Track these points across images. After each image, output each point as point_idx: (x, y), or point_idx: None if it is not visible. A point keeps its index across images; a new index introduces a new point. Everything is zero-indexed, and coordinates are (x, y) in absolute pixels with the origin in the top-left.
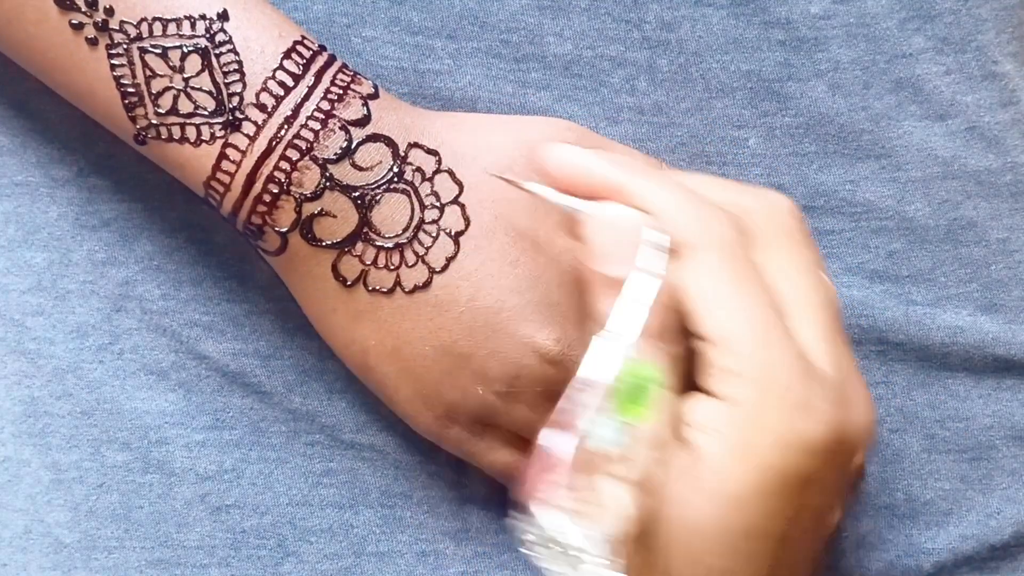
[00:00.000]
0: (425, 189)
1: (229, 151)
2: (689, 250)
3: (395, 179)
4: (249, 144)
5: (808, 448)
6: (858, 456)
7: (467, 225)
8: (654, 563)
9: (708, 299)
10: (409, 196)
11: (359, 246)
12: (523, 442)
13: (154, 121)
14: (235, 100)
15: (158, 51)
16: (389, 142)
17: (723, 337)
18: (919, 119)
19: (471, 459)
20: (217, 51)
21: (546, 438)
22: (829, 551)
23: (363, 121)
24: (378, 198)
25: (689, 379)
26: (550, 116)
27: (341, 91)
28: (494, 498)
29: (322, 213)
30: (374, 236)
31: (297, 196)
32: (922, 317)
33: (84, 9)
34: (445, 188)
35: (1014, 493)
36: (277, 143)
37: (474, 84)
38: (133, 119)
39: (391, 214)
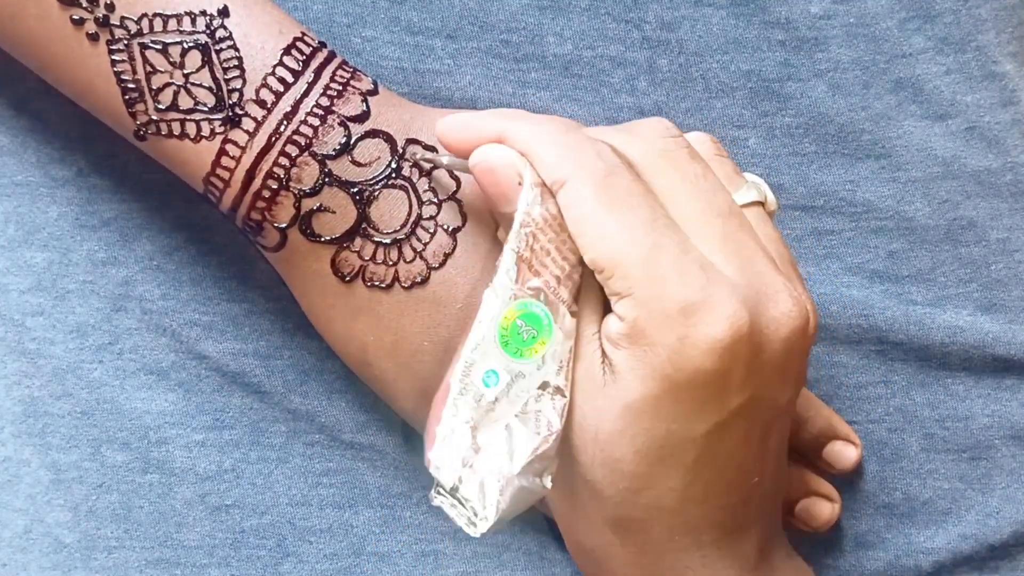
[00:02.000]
0: (423, 185)
1: (229, 147)
2: (561, 185)
3: (393, 175)
4: (249, 140)
5: (708, 350)
6: (783, 343)
7: (464, 221)
8: (579, 474)
9: (586, 229)
10: (407, 192)
11: (357, 242)
12: None
13: (154, 117)
14: (235, 96)
15: (159, 47)
16: (388, 138)
17: (608, 262)
18: (919, 119)
19: None
20: (217, 47)
21: (441, 389)
22: (782, 463)
23: (362, 117)
24: (376, 194)
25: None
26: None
27: (340, 87)
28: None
29: (321, 209)
30: (372, 232)
31: (296, 192)
32: (922, 317)
33: (85, 5)
34: (443, 184)
35: (1013, 492)
36: (276, 139)
37: (474, 84)
38: (133, 115)
39: (389, 210)
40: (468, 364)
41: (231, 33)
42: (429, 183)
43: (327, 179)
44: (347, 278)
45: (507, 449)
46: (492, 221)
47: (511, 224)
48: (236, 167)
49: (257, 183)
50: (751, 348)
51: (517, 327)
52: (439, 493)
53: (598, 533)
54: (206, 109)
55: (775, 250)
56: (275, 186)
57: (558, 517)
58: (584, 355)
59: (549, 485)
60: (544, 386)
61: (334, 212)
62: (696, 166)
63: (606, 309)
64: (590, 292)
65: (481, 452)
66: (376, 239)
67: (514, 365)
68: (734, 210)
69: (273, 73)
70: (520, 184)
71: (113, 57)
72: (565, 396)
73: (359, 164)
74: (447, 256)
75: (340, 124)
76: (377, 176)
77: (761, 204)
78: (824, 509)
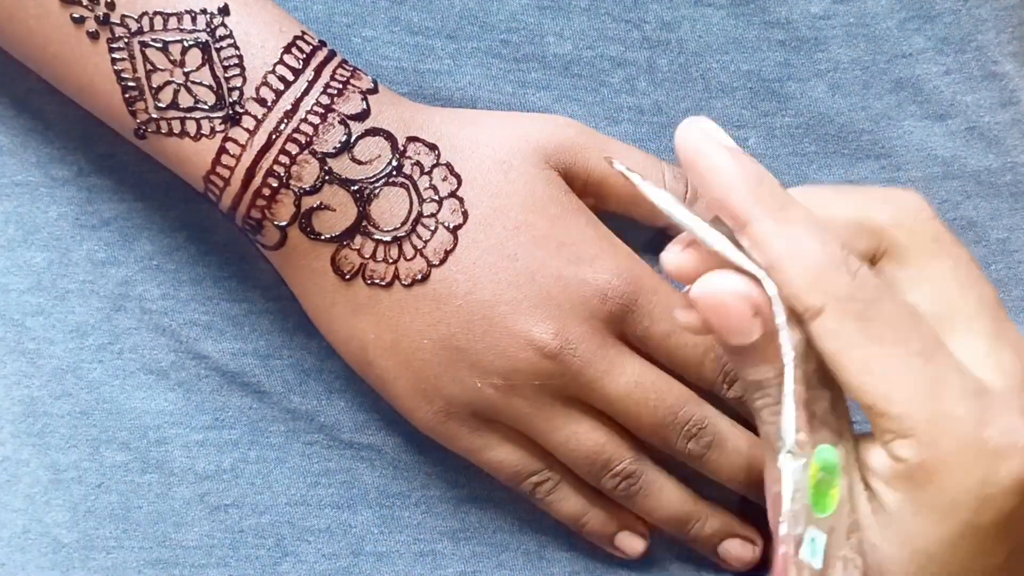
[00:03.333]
0: (424, 183)
1: (229, 145)
2: (816, 313)
3: (394, 173)
4: (249, 138)
5: (1011, 489)
6: None
7: (465, 219)
8: None
9: (850, 365)
10: (408, 190)
11: (358, 240)
12: (521, 440)
13: (154, 115)
14: (235, 94)
15: (159, 45)
16: (388, 136)
17: (879, 401)
18: (919, 119)
19: (469, 455)
20: (217, 45)
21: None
22: None
23: (362, 115)
24: (377, 192)
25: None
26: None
27: (341, 86)
28: (492, 498)
29: (321, 207)
30: (373, 230)
31: (296, 190)
32: None
33: (86, 3)
34: (444, 182)
35: None
36: (276, 137)
37: (474, 84)
38: (133, 113)
39: (390, 208)
40: (794, 544)
41: (231, 31)
42: (430, 181)
43: (327, 177)
44: (347, 276)
45: None
46: (494, 219)
47: (743, 356)
48: (236, 165)
49: (257, 181)
50: None
51: (819, 480)
52: None
53: None
54: (206, 107)
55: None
56: (275, 184)
57: None
58: (851, 486)
59: None
60: (847, 530)
61: (334, 210)
62: (965, 251)
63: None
64: (833, 416)
65: None
66: (376, 237)
67: (825, 522)
68: (989, 298)
69: (273, 71)
70: (756, 316)
71: (113, 55)
72: (859, 531)
73: (359, 162)
74: (448, 253)
75: (340, 122)
76: (377, 174)
77: None
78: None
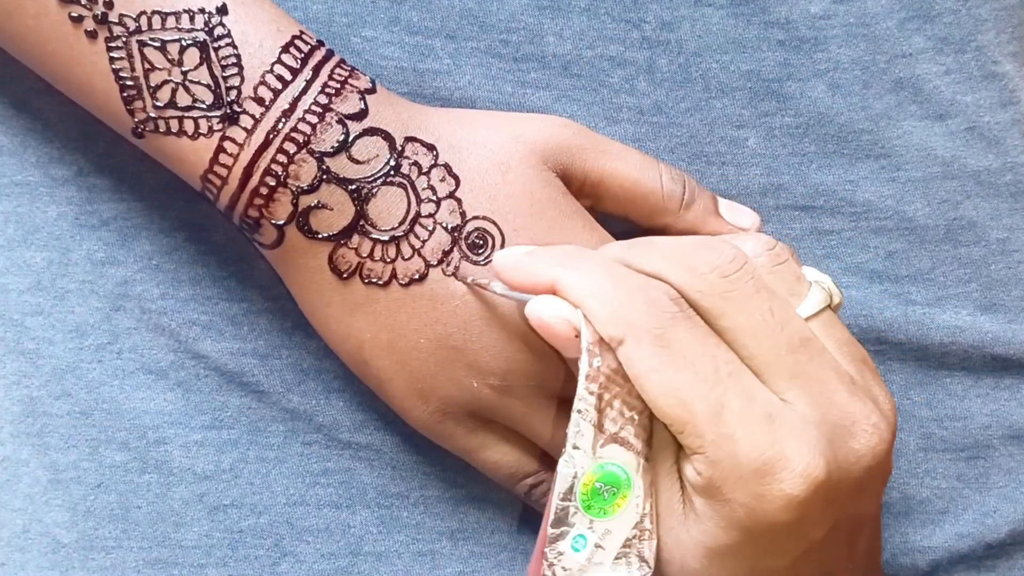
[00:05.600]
0: (422, 183)
1: (226, 144)
2: (619, 343)
3: (392, 172)
4: (246, 137)
5: (784, 506)
6: (865, 472)
7: (463, 219)
8: None
9: (649, 388)
10: (406, 189)
11: (355, 239)
12: (517, 440)
13: (152, 114)
14: (233, 94)
15: (157, 44)
16: (386, 136)
17: (675, 421)
18: (919, 119)
19: (465, 456)
20: (215, 45)
21: (532, 564)
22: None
23: (360, 115)
24: (375, 191)
25: None
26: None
27: (339, 85)
28: (490, 498)
29: (319, 206)
30: (370, 229)
31: (294, 189)
32: (921, 317)
33: (84, 2)
34: (442, 182)
35: (1011, 492)
36: (274, 136)
37: (473, 84)
38: (131, 112)
39: (387, 207)
40: (554, 537)
41: (229, 31)
42: (428, 181)
43: (325, 176)
44: (344, 275)
45: None
46: (492, 220)
47: (576, 366)
48: (234, 164)
49: (255, 180)
50: (829, 489)
51: (597, 489)
52: None
53: None
54: (204, 106)
55: (848, 355)
56: (273, 183)
57: None
58: (663, 488)
59: None
60: (633, 533)
61: (332, 209)
62: (761, 302)
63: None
64: (661, 427)
65: None
66: (374, 236)
67: (599, 524)
68: (804, 339)
69: (271, 71)
70: (577, 336)
71: (111, 54)
72: (654, 537)
73: (357, 161)
74: (445, 254)
75: (338, 122)
76: (375, 173)
77: (828, 307)
78: None
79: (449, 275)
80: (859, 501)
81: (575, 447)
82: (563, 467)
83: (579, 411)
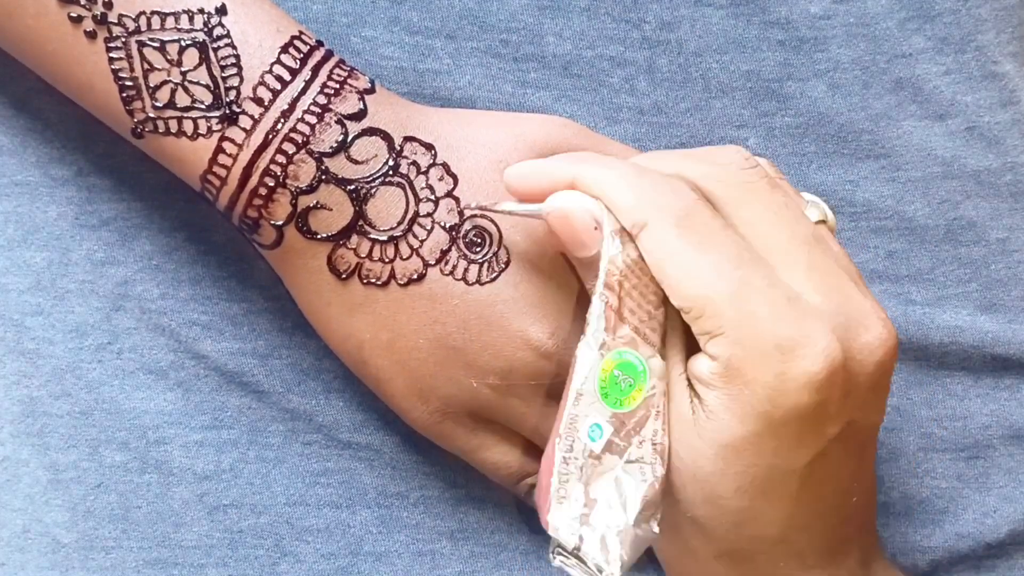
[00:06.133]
0: (420, 183)
1: (226, 144)
2: (641, 228)
3: (390, 172)
4: (245, 138)
5: (805, 385)
6: (877, 367)
7: (461, 218)
8: (681, 512)
9: (671, 271)
10: (404, 189)
11: (354, 239)
12: (517, 440)
13: (151, 115)
14: (232, 94)
15: (156, 45)
16: (385, 136)
17: (696, 303)
18: (919, 119)
19: (464, 456)
20: (215, 45)
21: (548, 450)
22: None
23: (359, 115)
24: (373, 191)
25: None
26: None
27: (338, 86)
28: (490, 498)
29: (318, 206)
30: (369, 229)
31: (293, 189)
32: (921, 317)
33: (83, 2)
34: (440, 182)
35: (1011, 492)
36: (273, 136)
37: (473, 84)
38: (131, 112)
39: (386, 207)
40: (571, 420)
41: (229, 31)
42: (426, 180)
43: (324, 177)
44: (343, 275)
45: (619, 501)
46: (490, 219)
47: (590, 269)
48: (233, 164)
49: (254, 180)
50: (846, 377)
51: (615, 377)
52: (559, 554)
53: (704, 566)
54: (203, 107)
55: (846, 269)
56: (272, 183)
57: (662, 554)
58: (673, 396)
59: (657, 530)
60: (646, 432)
61: (331, 209)
62: (777, 195)
63: (689, 349)
64: (673, 333)
65: (595, 507)
66: (373, 236)
67: (616, 415)
68: (818, 236)
69: (270, 71)
70: (597, 229)
71: (111, 55)
72: (665, 440)
73: (356, 162)
74: (444, 253)
75: (337, 122)
76: (374, 174)
77: (823, 222)
78: None
79: (447, 274)
80: (871, 405)
81: (598, 329)
82: (584, 350)
83: (603, 292)
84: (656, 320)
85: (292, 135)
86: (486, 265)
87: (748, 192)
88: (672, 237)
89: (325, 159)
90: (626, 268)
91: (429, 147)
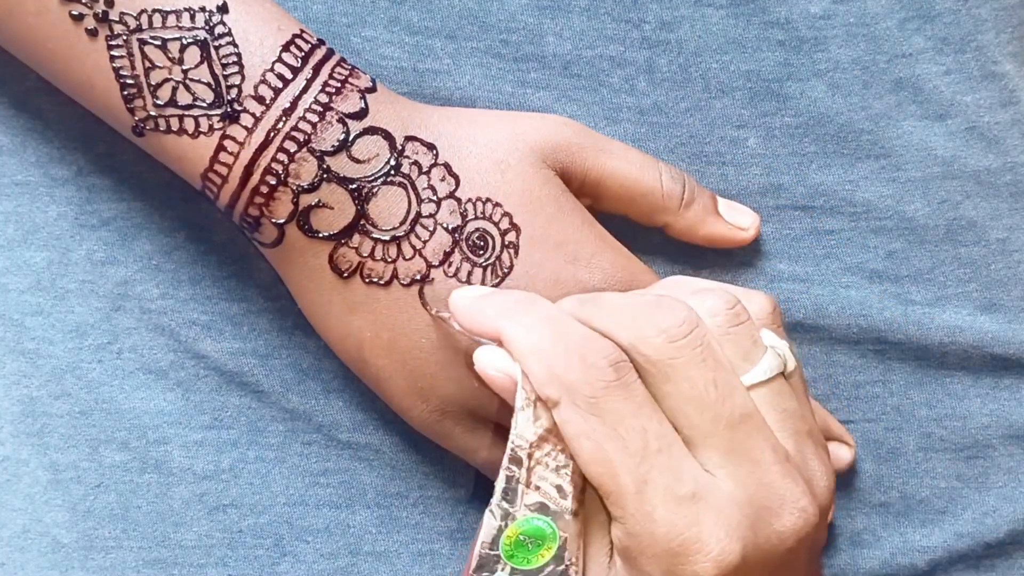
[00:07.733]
0: (422, 183)
1: (227, 143)
2: (554, 404)
3: (392, 172)
4: (247, 136)
5: None
6: (788, 553)
7: (463, 220)
8: None
9: (579, 452)
10: (406, 189)
11: (356, 238)
12: None
13: (152, 113)
14: (233, 92)
15: (157, 43)
16: (386, 135)
17: (600, 487)
18: (919, 119)
19: (464, 455)
20: (216, 43)
21: None
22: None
23: (361, 114)
24: (375, 190)
25: None
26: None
27: (339, 84)
28: (490, 498)
29: (319, 205)
30: (371, 228)
31: (294, 187)
32: (921, 317)
33: (84, 0)
34: (442, 182)
35: (1010, 491)
36: (275, 135)
37: (473, 84)
38: (132, 111)
39: (388, 207)
40: (481, 560)
41: (230, 29)
42: (428, 180)
43: (325, 175)
44: (345, 274)
45: None
46: (492, 222)
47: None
48: (234, 163)
49: (255, 179)
50: (745, 572)
51: (521, 541)
52: None
53: None
54: (204, 105)
55: (792, 429)
56: (273, 182)
57: None
58: (594, 538)
59: None
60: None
61: (332, 208)
62: (706, 372)
63: None
64: None
65: None
66: (375, 236)
67: (523, 571)
68: (744, 414)
69: (272, 69)
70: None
71: (112, 53)
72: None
73: (357, 161)
74: (447, 255)
75: (338, 121)
76: (376, 173)
77: (781, 374)
78: (844, 453)
79: (450, 276)
80: None
81: (502, 500)
82: (488, 518)
83: (508, 466)
84: (576, 471)
85: (294, 133)
86: (490, 269)
87: (672, 369)
88: (580, 420)
89: (326, 158)
90: (545, 432)
91: (431, 147)
